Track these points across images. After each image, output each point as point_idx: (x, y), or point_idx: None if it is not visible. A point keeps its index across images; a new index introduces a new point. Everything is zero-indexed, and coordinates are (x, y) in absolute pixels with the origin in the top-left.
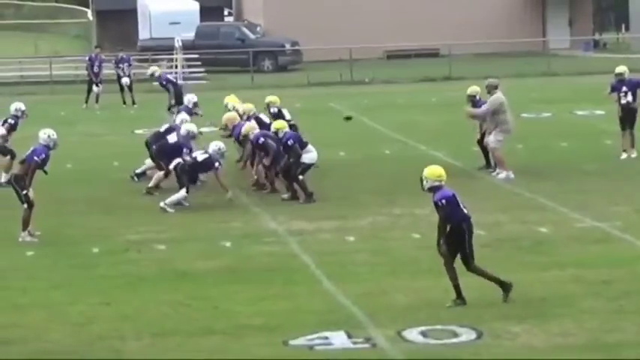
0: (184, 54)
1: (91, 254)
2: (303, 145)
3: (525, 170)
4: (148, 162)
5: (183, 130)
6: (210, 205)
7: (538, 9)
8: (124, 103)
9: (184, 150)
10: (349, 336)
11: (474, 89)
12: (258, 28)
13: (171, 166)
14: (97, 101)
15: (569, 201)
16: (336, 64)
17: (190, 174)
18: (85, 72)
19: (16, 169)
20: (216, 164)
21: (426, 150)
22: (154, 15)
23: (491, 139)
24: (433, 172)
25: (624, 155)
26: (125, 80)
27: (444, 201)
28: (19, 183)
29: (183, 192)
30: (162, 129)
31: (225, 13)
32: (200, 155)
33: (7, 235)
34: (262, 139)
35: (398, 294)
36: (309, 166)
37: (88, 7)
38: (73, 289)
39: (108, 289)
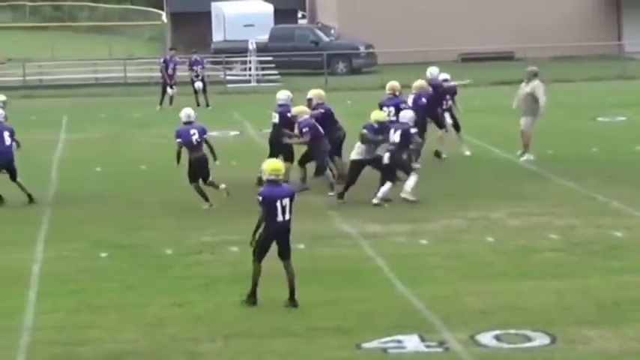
0: (258, 56)
1: (165, 256)
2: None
3: (600, 174)
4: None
5: (283, 96)
6: None
7: (613, 12)
8: (198, 104)
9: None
10: (422, 339)
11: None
12: (332, 31)
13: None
14: (170, 103)
15: None
16: (410, 66)
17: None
18: (159, 74)
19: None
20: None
21: (500, 153)
22: (228, 17)
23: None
24: (269, 165)
25: None
26: (198, 85)
27: (260, 197)
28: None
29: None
30: (275, 121)
31: (299, 15)
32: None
33: (81, 236)
34: (307, 129)
35: (471, 297)
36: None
37: (162, 9)
38: (147, 291)
39: (181, 291)
